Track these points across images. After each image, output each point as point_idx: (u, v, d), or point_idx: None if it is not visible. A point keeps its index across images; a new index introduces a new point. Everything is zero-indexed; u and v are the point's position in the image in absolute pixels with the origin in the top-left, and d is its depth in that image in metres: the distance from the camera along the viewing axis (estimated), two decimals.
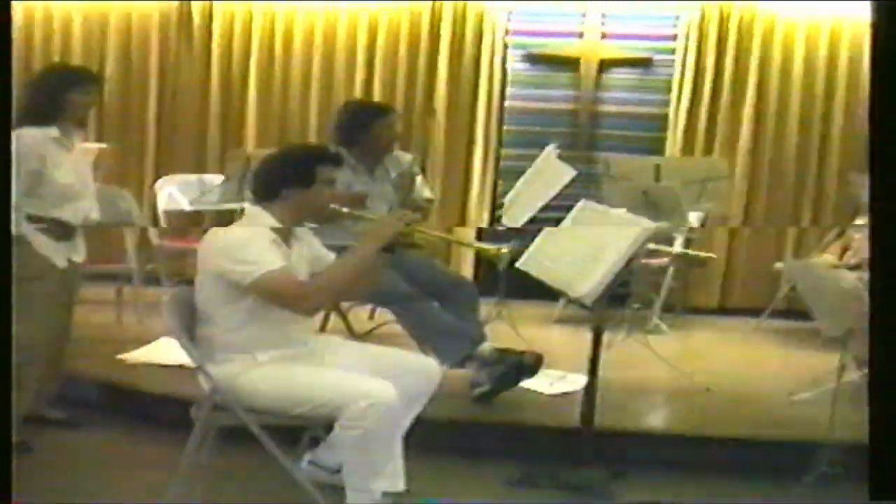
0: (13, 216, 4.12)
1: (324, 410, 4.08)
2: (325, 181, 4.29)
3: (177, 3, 8.52)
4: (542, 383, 5.69)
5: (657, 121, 8.41)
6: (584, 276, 4.58)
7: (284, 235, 4.28)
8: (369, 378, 4.16)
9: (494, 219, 8.20)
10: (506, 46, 8.42)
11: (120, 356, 6.05)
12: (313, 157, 4.35)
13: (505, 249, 4.50)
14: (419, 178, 6.20)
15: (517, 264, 4.97)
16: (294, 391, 4.14)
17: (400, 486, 4.16)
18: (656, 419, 5.84)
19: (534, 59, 8.49)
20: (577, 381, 5.41)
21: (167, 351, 5.49)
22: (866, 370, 5.60)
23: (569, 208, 5.10)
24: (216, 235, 4.27)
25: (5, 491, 3.18)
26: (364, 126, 5.86)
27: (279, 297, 4.13)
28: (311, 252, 4.43)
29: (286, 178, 4.26)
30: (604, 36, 8.37)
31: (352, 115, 6.03)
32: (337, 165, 4.41)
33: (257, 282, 4.06)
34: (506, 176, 8.28)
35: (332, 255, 4.47)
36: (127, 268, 6.95)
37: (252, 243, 4.12)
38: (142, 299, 6.82)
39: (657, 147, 8.33)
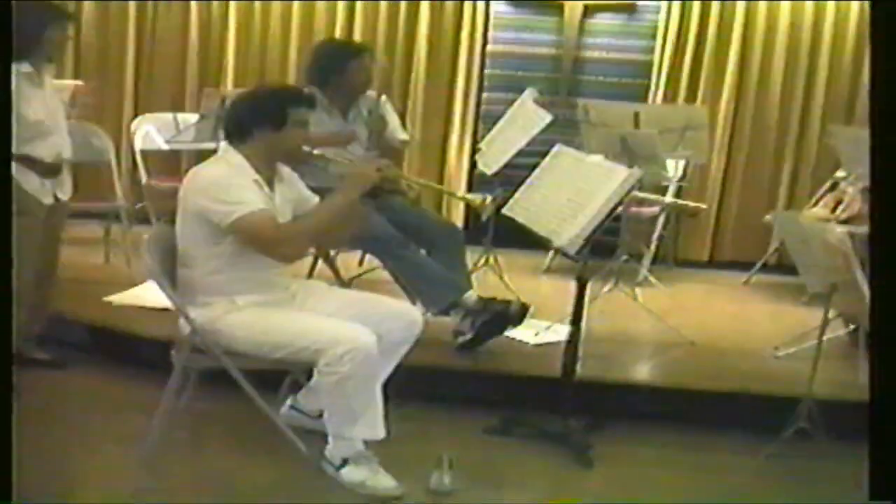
0: None
1: (302, 355, 4.10)
2: (298, 123, 4.27)
3: None
4: (527, 333, 5.69)
5: (640, 67, 8.34)
6: (568, 223, 4.54)
7: (267, 177, 4.27)
8: (349, 324, 4.16)
9: (474, 163, 8.12)
10: None
11: (107, 298, 6.04)
12: (286, 99, 4.31)
13: (489, 200, 4.48)
14: (395, 119, 6.14)
15: (503, 210, 4.94)
16: (273, 335, 4.15)
17: (380, 434, 4.17)
18: (639, 371, 5.82)
19: (517, 3, 8.40)
20: (563, 332, 5.32)
21: (154, 293, 5.41)
22: (853, 327, 5.66)
23: (546, 153, 5.06)
24: (197, 175, 4.25)
25: (5, 491, 3.18)
26: (338, 67, 5.79)
27: (258, 239, 4.13)
28: (295, 194, 4.42)
29: (258, 119, 4.23)
30: None
31: (326, 55, 5.94)
32: (310, 107, 4.38)
33: (236, 222, 4.06)
34: (486, 120, 8.21)
35: (316, 198, 4.45)
36: (115, 206, 6.90)
37: (233, 184, 4.12)
38: (131, 240, 6.75)
39: (639, 94, 8.27)
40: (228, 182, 4.12)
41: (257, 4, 8.47)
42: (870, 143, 3.26)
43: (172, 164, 8.07)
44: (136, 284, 6.15)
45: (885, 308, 3.03)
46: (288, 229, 4.23)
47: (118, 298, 6.05)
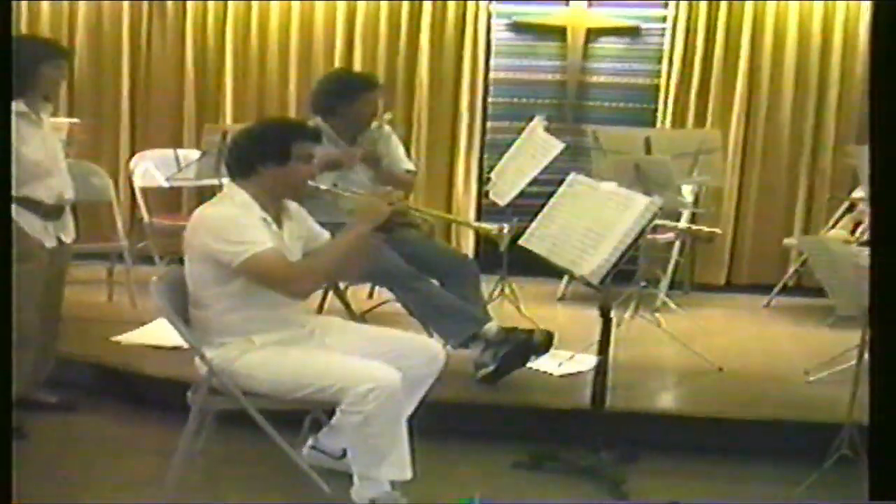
0: None
1: (324, 395, 4.00)
2: (302, 157, 4.18)
3: None
4: (550, 364, 5.55)
5: (647, 91, 8.24)
6: (590, 254, 4.47)
7: (275, 214, 4.18)
8: (371, 361, 4.07)
9: (482, 193, 8.00)
10: (490, 15, 8.23)
11: (114, 338, 5.93)
12: (289, 133, 4.22)
13: (506, 229, 4.38)
14: (400, 150, 6.07)
15: (520, 242, 4.85)
16: (293, 375, 4.05)
17: (407, 474, 4.05)
18: (669, 400, 5.68)
19: (519, 28, 8.29)
20: (587, 362, 5.28)
21: (162, 332, 5.37)
22: None
23: (559, 182, 4.98)
24: (203, 215, 4.15)
25: (5, 491, 3.16)
26: (347, 98, 5.71)
27: (269, 278, 4.02)
28: (304, 230, 4.33)
29: (261, 155, 4.14)
30: (591, 4, 8.20)
31: (334, 86, 5.85)
32: (315, 141, 4.28)
33: (246, 263, 3.96)
34: (492, 149, 8.16)
35: (326, 234, 4.37)
36: (118, 246, 6.81)
37: (240, 223, 4.02)
38: (134, 278, 6.69)
39: (647, 119, 8.17)
40: (235, 222, 4.02)
41: (254, 37, 8.38)
42: (869, 146, 3.24)
43: (173, 201, 8.00)
44: (142, 323, 6.04)
45: (886, 313, 2.98)
46: (300, 267, 4.13)
47: (125, 338, 5.94)
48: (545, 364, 5.51)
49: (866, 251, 6.08)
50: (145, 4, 8.39)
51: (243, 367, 4.05)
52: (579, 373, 5.42)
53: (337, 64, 8.24)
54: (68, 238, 5.01)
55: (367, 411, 3.87)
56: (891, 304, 2.96)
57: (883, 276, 3.04)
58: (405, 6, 8.23)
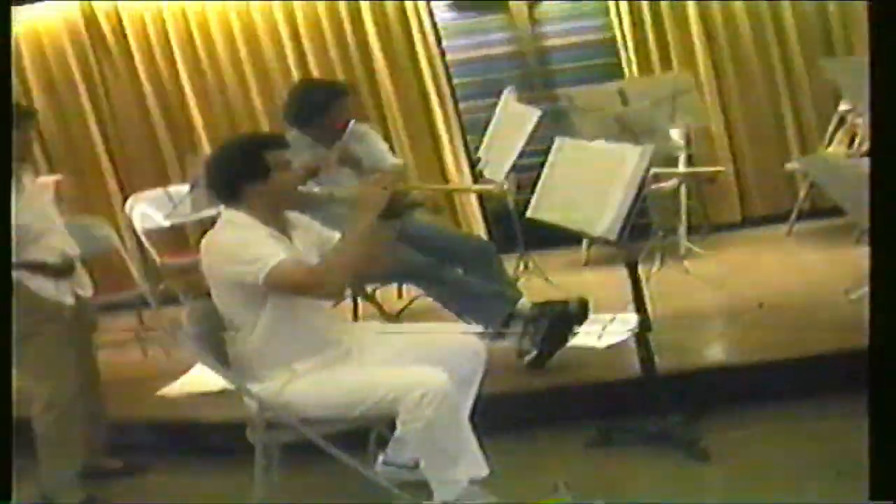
0: None
1: (379, 408, 3.94)
2: (281, 165, 4.10)
3: (79, 9, 8.25)
4: (591, 338, 5.45)
5: (604, 45, 8.14)
6: (600, 212, 4.43)
7: (281, 227, 4.14)
8: (416, 367, 4.02)
9: (476, 174, 7.90)
10: None
11: (161, 392, 5.89)
12: (257, 146, 4.13)
13: (505, 185, 4.31)
14: (382, 146, 6.01)
15: (528, 214, 4.82)
16: (343, 396, 3.99)
17: (483, 470, 3.99)
18: (719, 351, 5.59)
19: (459, 7, 8.23)
20: (627, 322, 5.13)
21: (205, 377, 5.28)
22: None
23: (546, 149, 4.94)
24: (213, 243, 4.10)
25: (5, 491, 3.19)
26: (320, 107, 5.65)
27: (296, 286, 3.95)
28: (314, 237, 4.27)
29: (240, 175, 4.07)
30: None
31: (306, 96, 5.80)
32: (284, 147, 4.19)
33: (269, 276, 3.89)
34: (472, 129, 8.08)
35: (336, 235, 4.26)
36: (139, 292, 6.81)
37: (250, 241, 3.97)
38: (166, 320, 6.61)
39: (613, 72, 8.05)
40: (245, 241, 3.98)
41: (204, 60, 8.29)
42: (868, 144, 3.15)
43: (179, 237, 7.87)
44: (182, 372, 5.98)
45: (886, 308, 2.90)
46: (321, 268, 4.03)
47: (171, 390, 5.89)
48: (587, 339, 5.41)
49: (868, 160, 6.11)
50: (91, 54, 8.30)
51: (292, 396, 4.00)
52: (622, 341, 5.31)
53: (293, 72, 8.18)
54: (87, 293, 4.94)
55: (426, 416, 3.81)
56: (891, 304, 2.89)
57: (881, 297, 2.96)
58: (343, 5, 8.12)
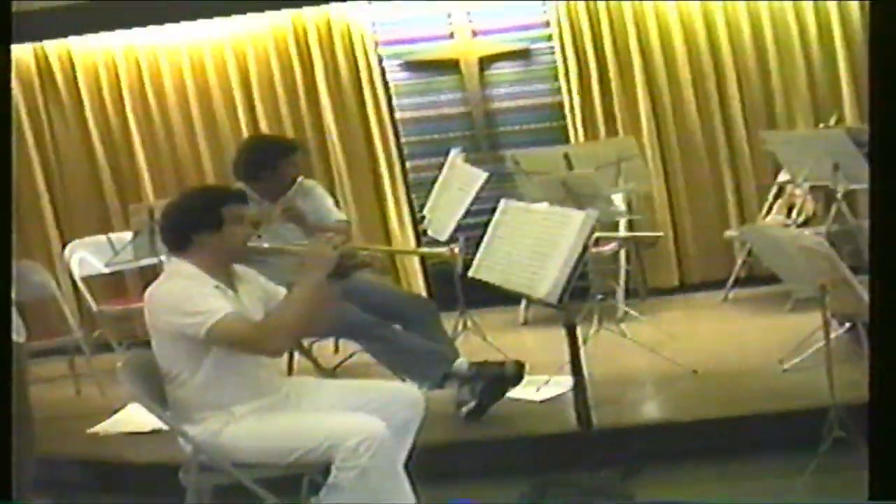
0: None
1: (314, 455, 3.95)
2: (234, 219, 4.13)
3: (32, 50, 8.21)
4: (529, 391, 5.51)
5: (552, 109, 8.21)
6: (541, 275, 4.51)
7: (227, 280, 4.14)
8: (353, 414, 4.05)
9: (419, 233, 7.96)
10: (380, 59, 8.19)
11: (92, 430, 5.84)
12: (215, 198, 4.18)
13: (456, 250, 4.36)
14: (328, 201, 6.09)
15: (470, 273, 4.89)
16: (280, 440, 4.01)
17: None
18: (654, 409, 5.66)
19: (412, 67, 8.26)
20: (564, 383, 5.25)
21: (137, 417, 5.32)
22: (848, 325, 5.57)
23: (491, 210, 5.03)
24: (157, 293, 4.09)
25: (5, 491, 3.23)
26: (269, 163, 5.73)
27: (239, 342, 3.97)
28: (260, 291, 4.28)
29: (194, 225, 4.10)
30: (475, 34, 8.17)
31: (256, 152, 5.88)
32: (242, 202, 4.24)
33: (212, 330, 3.90)
34: (417, 188, 8.13)
35: (282, 290, 4.31)
36: (73, 338, 6.73)
37: (194, 293, 3.97)
38: (97, 368, 6.62)
39: (559, 136, 8.13)
40: (189, 293, 3.97)
41: (154, 111, 8.26)
42: (868, 142, 3.21)
43: (117, 285, 7.88)
44: (114, 412, 5.94)
45: (885, 307, 2.98)
46: (266, 326, 4.05)
47: (102, 428, 5.85)
48: (524, 392, 5.46)
49: (807, 231, 6.24)
50: (39, 96, 8.26)
51: (228, 439, 4.00)
52: (560, 395, 5.39)
53: (242, 125, 8.19)
54: (20, 338, 4.89)
55: (361, 464, 3.83)
56: (890, 303, 2.96)
57: (881, 298, 3.04)
58: (296, 62, 8.16)
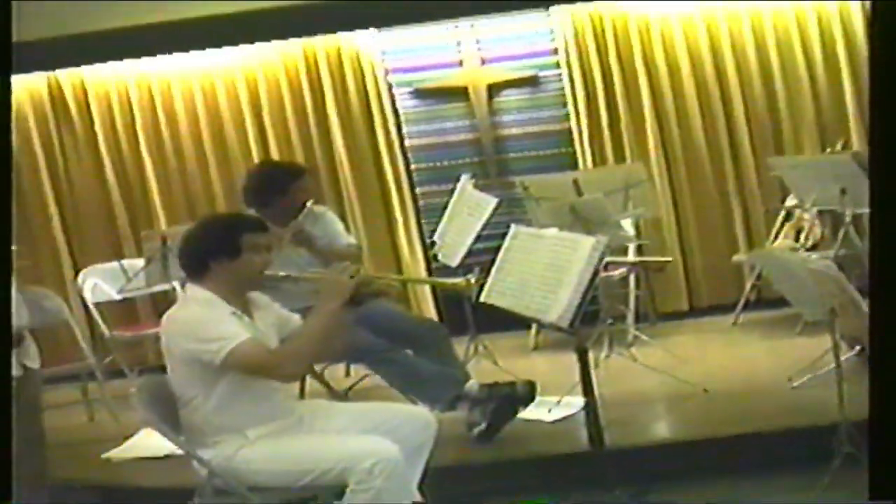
0: None
1: (328, 477, 3.97)
2: (253, 248, 4.17)
3: (46, 80, 8.24)
4: (540, 412, 5.55)
5: (560, 136, 8.26)
6: (552, 300, 4.52)
7: (243, 306, 4.18)
8: (366, 437, 4.09)
9: (430, 258, 8.00)
10: (390, 86, 8.24)
11: (105, 455, 5.85)
12: (236, 226, 4.22)
13: (472, 279, 4.39)
14: (338, 226, 6.14)
15: (482, 298, 4.88)
16: (294, 464, 4.04)
17: None
18: (665, 429, 5.74)
19: (421, 95, 8.30)
20: (575, 404, 5.29)
21: (151, 442, 5.33)
22: (858, 347, 5.60)
23: (501, 235, 5.04)
24: (175, 318, 4.15)
25: (5, 491, 3.24)
26: (279, 189, 5.77)
27: (255, 368, 4.02)
28: (273, 317, 4.32)
29: (212, 252, 4.14)
30: (484, 61, 8.22)
31: (266, 177, 5.93)
32: (262, 231, 4.27)
33: (227, 358, 3.94)
34: (427, 214, 8.17)
35: (296, 317, 4.36)
36: (86, 365, 6.72)
37: (212, 319, 4.02)
38: (110, 393, 6.63)
39: (567, 162, 8.19)
40: (207, 319, 4.02)
41: (166, 138, 8.29)
42: (868, 142, 3.22)
43: (129, 311, 7.89)
44: (127, 437, 5.95)
45: (885, 312, 3.02)
46: (282, 353, 4.11)
47: (116, 454, 5.85)
48: (536, 413, 5.51)
49: (815, 255, 6.26)
50: (52, 125, 8.29)
51: (242, 463, 4.03)
52: (571, 416, 5.43)
53: (254, 153, 8.22)
54: (34, 364, 4.92)
55: (375, 486, 3.86)
56: (890, 303, 2.98)
57: (881, 297, 3.06)
58: (307, 90, 8.20)
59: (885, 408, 2.93)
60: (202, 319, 4.02)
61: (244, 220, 4.35)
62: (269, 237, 4.34)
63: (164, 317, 4.18)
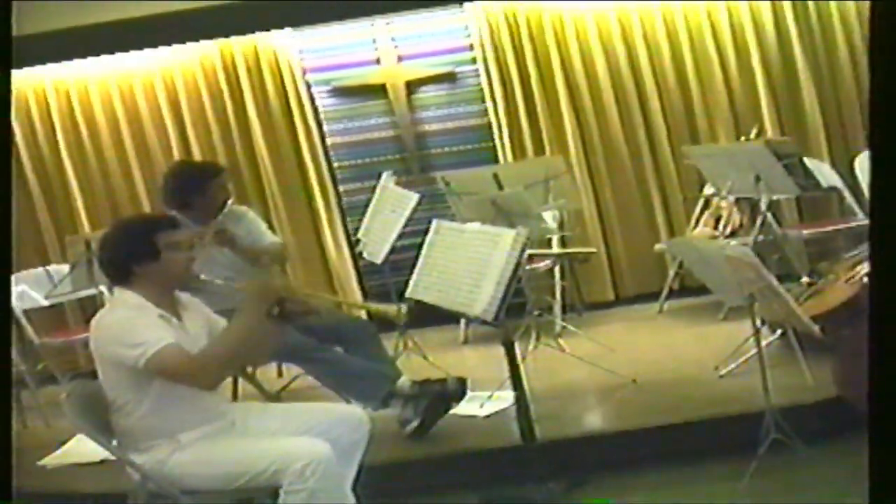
0: None
1: (262, 479, 3.98)
2: (171, 246, 4.15)
3: None
4: (472, 406, 5.58)
5: (480, 130, 8.29)
6: (476, 293, 4.58)
7: (171, 308, 4.17)
8: (299, 438, 4.10)
9: (356, 256, 8.02)
10: (309, 85, 8.22)
11: (40, 462, 5.81)
12: (148, 227, 4.19)
13: (404, 309, 4.43)
14: (260, 225, 6.11)
15: (407, 294, 4.95)
16: (226, 466, 4.03)
17: None
18: (596, 420, 5.73)
19: (340, 93, 8.29)
20: (507, 399, 5.30)
21: (85, 448, 5.26)
22: (780, 331, 5.69)
23: (425, 231, 5.09)
24: (101, 323, 4.12)
25: (5, 491, 3.26)
26: (196, 187, 5.74)
27: (175, 373, 3.99)
28: (203, 319, 4.31)
29: (131, 256, 4.12)
30: (401, 59, 8.23)
31: (182, 179, 5.89)
32: (175, 228, 4.24)
33: (150, 361, 3.92)
34: (351, 212, 8.16)
35: (223, 321, 4.33)
36: (17, 372, 6.66)
37: (137, 324, 3.99)
38: (43, 401, 6.60)
39: (488, 156, 8.21)
40: (132, 323, 3.99)
41: (86, 141, 8.20)
42: (868, 143, 3.24)
43: (58, 317, 7.81)
44: (62, 443, 5.90)
45: (885, 307, 3.00)
46: (200, 359, 4.04)
47: (51, 460, 5.81)
48: (468, 408, 5.54)
49: (733, 242, 6.35)
50: None
51: (175, 467, 4.02)
52: (503, 410, 5.45)
53: (175, 154, 8.16)
54: None
55: (308, 487, 3.87)
56: (890, 305, 2.98)
57: (881, 298, 3.05)
58: (226, 91, 8.16)
59: (885, 408, 2.91)
60: (128, 324, 3.99)
61: (156, 220, 4.32)
62: (185, 234, 4.32)
63: (93, 321, 4.15)
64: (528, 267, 6.87)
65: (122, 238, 4.20)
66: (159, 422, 4.06)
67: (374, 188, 7.11)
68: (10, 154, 3.93)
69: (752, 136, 7.32)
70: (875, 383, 2.98)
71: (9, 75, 4.07)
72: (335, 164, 8.31)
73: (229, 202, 5.88)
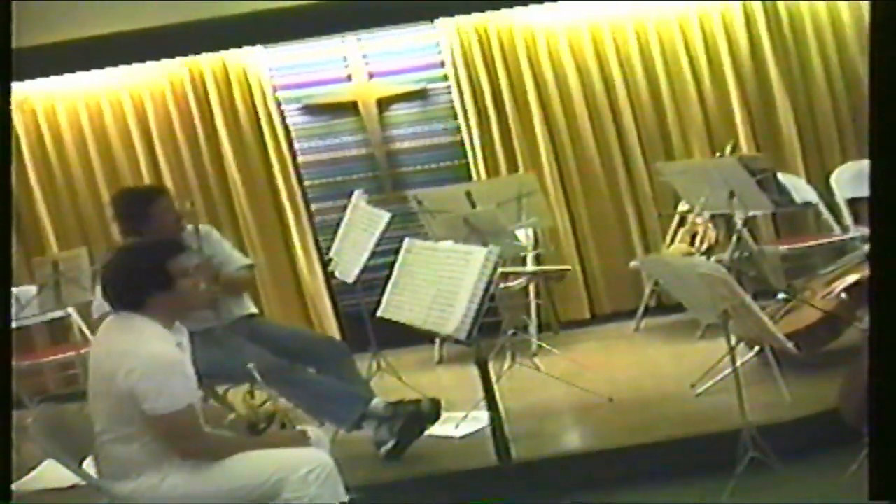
0: None
1: (263, 490, 4.00)
2: (182, 273, 4.08)
3: None
4: (447, 427, 5.55)
5: (453, 148, 8.25)
6: (448, 312, 4.51)
7: (178, 331, 4.18)
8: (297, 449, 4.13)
9: (328, 275, 7.94)
10: (279, 103, 8.17)
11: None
12: (160, 255, 4.11)
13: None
14: (226, 247, 6.00)
15: (378, 314, 4.88)
16: (226, 480, 4.03)
17: None
18: (573, 440, 5.74)
19: (311, 111, 8.25)
20: (482, 419, 5.23)
21: (54, 474, 5.17)
22: (756, 348, 5.67)
23: (397, 250, 5.02)
24: (130, 350, 3.97)
25: (5, 491, 3.26)
26: (142, 212, 5.57)
27: (178, 437, 3.98)
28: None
29: (145, 287, 4.04)
30: (371, 76, 8.19)
31: (125, 204, 5.72)
32: (184, 251, 4.19)
33: (165, 417, 3.90)
34: (323, 231, 8.11)
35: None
36: None
37: (174, 371, 3.96)
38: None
39: (461, 174, 8.19)
40: (169, 368, 3.94)
41: (55, 163, 8.14)
42: (868, 142, 3.23)
43: (23, 340, 7.61)
44: (32, 468, 5.83)
45: (884, 308, 3.00)
46: (205, 440, 4.09)
47: (21, 486, 5.70)
48: (443, 429, 5.51)
49: (707, 259, 6.32)
50: None
51: (169, 489, 3.99)
52: (479, 431, 5.41)
53: (144, 174, 8.09)
54: None
55: (310, 493, 3.91)
56: (890, 306, 2.98)
57: (881, 299, 3.06)
58: (195, 108, 8.10)
59: (885, 407, 2.92)
60: (162, 365, 3.92)
61: (167, 247, 4.22)
62: (195, 259, 4.31)
63: (117, 345, 4.02)
64: (502, 285, 6.86)
65: (134, 267, 4.12)
66: (154, 450, 3.99)
67: (345, 207, 7.04)
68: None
69: (728, 151, 7.29)
70: (874, 383, 3.00)
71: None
72: (306, 183, 8.26)
73: (183, 222, 5.74)
